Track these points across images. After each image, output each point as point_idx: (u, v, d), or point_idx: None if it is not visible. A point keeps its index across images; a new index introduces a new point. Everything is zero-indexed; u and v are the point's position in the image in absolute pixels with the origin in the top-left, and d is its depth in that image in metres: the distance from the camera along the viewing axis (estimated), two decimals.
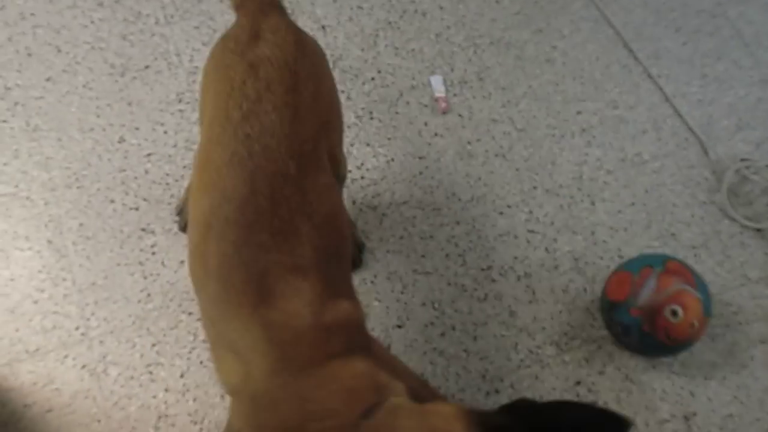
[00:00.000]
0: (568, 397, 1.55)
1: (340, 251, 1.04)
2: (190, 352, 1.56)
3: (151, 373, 1.54)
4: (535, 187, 1.80)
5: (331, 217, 1.02)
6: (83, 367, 1.54)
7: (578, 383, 1.57)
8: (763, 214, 1.77)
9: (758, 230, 1.75)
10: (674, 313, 1.42)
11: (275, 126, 0.98)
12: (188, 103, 1.86)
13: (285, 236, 0.93)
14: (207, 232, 0.96)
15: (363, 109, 1.89)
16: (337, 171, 1.22)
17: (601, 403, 1.55)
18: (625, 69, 1.99)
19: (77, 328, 1.58)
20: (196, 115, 1.84)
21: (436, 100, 1.90)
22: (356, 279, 1.65)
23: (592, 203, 1.79)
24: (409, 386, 0.89)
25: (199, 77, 1.89)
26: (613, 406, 1.55)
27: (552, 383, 1.57)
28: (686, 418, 1.55)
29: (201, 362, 1.55)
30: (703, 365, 1.59)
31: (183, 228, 1.66)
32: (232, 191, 0.94)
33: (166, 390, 1.53)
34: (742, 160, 1.83)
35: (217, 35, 1.94)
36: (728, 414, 1.56)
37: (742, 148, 1.87)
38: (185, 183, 1.73)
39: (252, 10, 1.14)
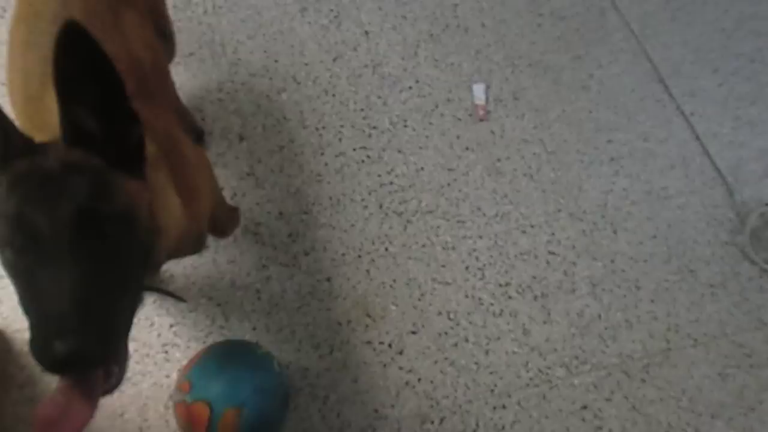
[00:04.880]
0: (574, 421, 1.56)
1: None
2: (206, 336, 1.59)
3: (166, 352, 1.57)
4: (559, 210, 1.82)
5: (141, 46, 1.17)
6: None
7: (585, 407, 1.58)
8: None
9: None
10: None
11: None
12: (228, 93, 1.89)
13: None
14: (25, 49, 1.07)
15: (398, 116, 1.92)
16: (163, 27, 1.43)
17: (606, 431, 1.56)
18: (658, 103, 2.01)
19: None
20: (234, 105, 1.88)
21: (476, 107, 1.93)
22: (374, 282, 1.68)
23: (615, 232, 1.80)
24: None
25: (241, 69, 1.93)
26: None
27: (559, 404, 1.58)
28: None
29: None
30: (712, 403, 1.60)
31: None
32: (46, 11, 1.06)
33: (180, 371, 1.55)
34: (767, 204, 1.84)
35: (263, 30, 1.99)
36: None
37: None
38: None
39: None
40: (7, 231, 0.77)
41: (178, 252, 1.13)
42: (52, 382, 1.49)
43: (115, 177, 0.83)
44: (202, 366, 1.30)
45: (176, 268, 1.65)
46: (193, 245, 1.23)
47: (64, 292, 0.73)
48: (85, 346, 0.72)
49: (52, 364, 0.72)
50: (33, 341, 0.73)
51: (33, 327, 0.74)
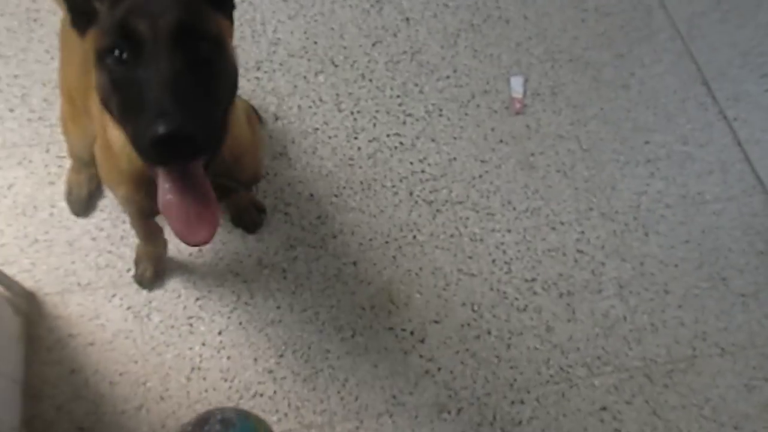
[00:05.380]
0: (592, 422, 1.55)
1: None
2: (231, 312, 1.60)
3: (191, 325, 1.59)
4: (591, 209, 1.80)
5: None
6: (129, 308, 1.59)
7: (604, 408, 1.57)
8: None
9: None
10: None
11: None
12: (266, 72, 1.90)
13: None
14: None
15: (434, 105, 1.91)
16: None
17: None
18: (701, 107, 1.96)
19: (128, 270, 1.63)
20: (271, 85, 1.89)
21: (513, 100, 1.91)
22: (400, 269, 1.68)
23: (646, 234, 1.78)
24: None
25: (280, 49, 1.94)
26: None
27: (577, 404, 1.57)
28: None
29: (240, 323, 1.59)
30: (735, 414, 1.57)
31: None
32: None
33: (203, 344, 1.57)
34: None
35: (305, 11, 2.00)
36: None
37: None
38: None
39: None
40: (110, 40, 0.85)
41: (241, 160, 1.18)
42: (78, 346, 1.53)
43: (211, 9, 0.93)
44: None
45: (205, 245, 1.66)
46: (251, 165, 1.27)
47: (163, 85, 0.80)
48: (185, 125, 0.78)
49: (156, 143, 0.77)
50: (136, 135, 0.81)
51: (135, 124, 0.81)
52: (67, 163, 1.69)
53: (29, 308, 1.57)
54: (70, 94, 1.40)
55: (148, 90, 0.80)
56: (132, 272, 1.62)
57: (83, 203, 1.68)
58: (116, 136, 1.02)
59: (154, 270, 1.61)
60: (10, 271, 1.58)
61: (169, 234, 1.60)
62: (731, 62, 2.03)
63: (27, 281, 1.60)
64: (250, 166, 1.23)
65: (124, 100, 0.85)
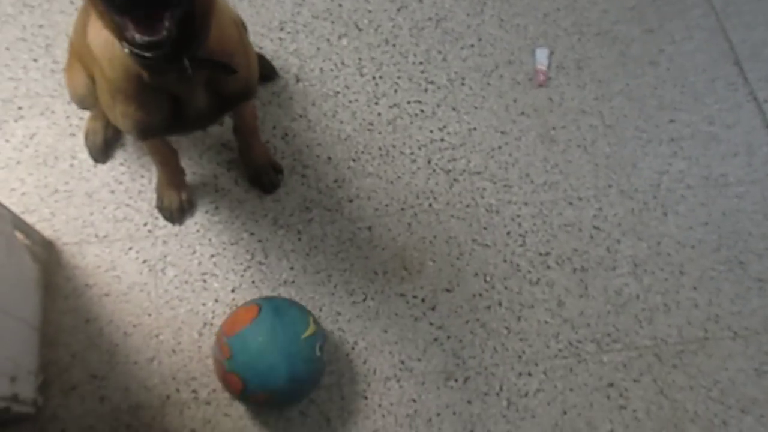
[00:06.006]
0: (598, 397, 1.55)
1: None
2: (244, 270, 1.62)
3: (204, 281, 1.61)
4: (610, 186, 1.78)
5: None
6: (144, 261, 1.61)
7: (611, 385, 1.57)
8: None
9: None
10: None
11: None
12: (289, 32, 1.89)
13: None
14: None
15: (456, 73, 1.89)
16: None
17: (630, 411, 1.55)
18: (730, 87, 1.92)
19: (145, 224, 1.65)
20: (294, 46, 1.88)
21: (537, 71, 1.89)
22: (414, 236, 1.68)
23: (665, 214, 1.76)
24: None
25: (304, 10, 1.92)
26: (642, 416, 1.54)
27: (585, 379, 1.57)
28: None
29: (253, 282, 1.61)
30: (743, 398, 1.56)
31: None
32: None
33: (216, 301, 1.59)
34: None
35: None
36: None
37: None
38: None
39: None
40: None
41: (231, 62, 1.17)
42: (94, 296, 1.56)
43: None
44: (245, 340, 1.33)
45: (222, 202, 1.68)
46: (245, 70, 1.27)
47: None
48: None
49: None
50: None
51: None
52: (88, 114, 1.70)
53: (48, 257, 1.60)
54: (73, 47, 1.44)
55: None
56: (148, 225, 1.64)
57: (99, 148, 1.69)
58: (96, 33, 1.07)
59: (179, 201, 1.64)
60: (30, 219, 1.61)
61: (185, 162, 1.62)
62: (767, 42, 1.98)
63: (46, 230, 1.63)
64: (243, 71, 1.22)
65: None
